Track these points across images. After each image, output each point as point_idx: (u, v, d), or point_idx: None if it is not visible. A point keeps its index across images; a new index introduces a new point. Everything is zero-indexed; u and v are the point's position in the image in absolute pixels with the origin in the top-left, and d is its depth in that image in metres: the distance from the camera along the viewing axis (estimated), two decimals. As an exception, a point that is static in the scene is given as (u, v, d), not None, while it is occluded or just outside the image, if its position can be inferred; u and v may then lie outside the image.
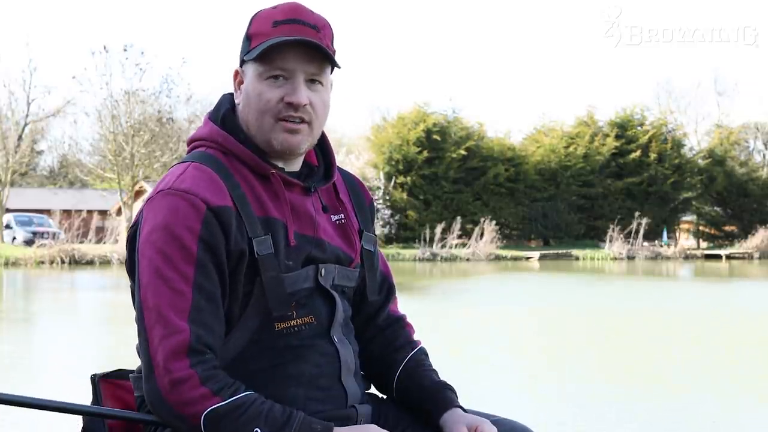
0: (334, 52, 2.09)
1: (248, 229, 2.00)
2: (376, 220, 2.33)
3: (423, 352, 2.29)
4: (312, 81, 2.06)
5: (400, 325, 2.31)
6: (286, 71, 2.04)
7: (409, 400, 2.22)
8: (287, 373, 2.05)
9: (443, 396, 2.18)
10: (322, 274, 2.10)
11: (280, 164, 2.10)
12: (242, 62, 2.10)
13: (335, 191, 2.20)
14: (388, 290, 2.32)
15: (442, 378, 2.27)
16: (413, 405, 2.21)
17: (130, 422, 2.07)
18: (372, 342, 2.28)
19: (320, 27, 2.06)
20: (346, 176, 2.28)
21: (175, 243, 1.95)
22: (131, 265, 2.04)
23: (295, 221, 2.07)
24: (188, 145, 2.16)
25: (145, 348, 1.95)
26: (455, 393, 2.22)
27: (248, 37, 2.08)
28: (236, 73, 2.13)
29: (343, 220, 2.18)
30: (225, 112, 2.12)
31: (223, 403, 1.90)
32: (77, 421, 2.15)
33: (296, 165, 2.14)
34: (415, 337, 2.33)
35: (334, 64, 2.08)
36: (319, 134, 2.13)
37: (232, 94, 2.17)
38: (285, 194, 2.07)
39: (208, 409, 1.90)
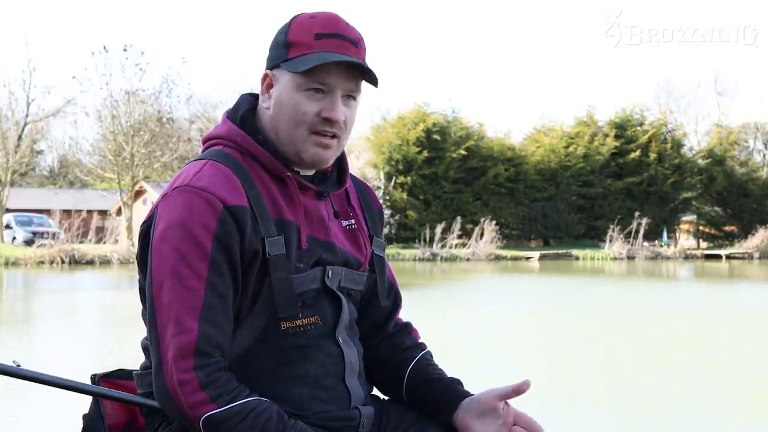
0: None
1: (262, 230, 2.01)
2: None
3: (430, 354, 2.31)
4: (347, 96, 2.07)
5: (407, 330, 2.33)
6: (326, 86, 2.04)
7: (419, 397, 2.22)
8: (292, 373, 2.05)
9: (455, 389, 2.19)
10: (329, 276, 2.10)
11: (295, 168, 2.10)
12: (274, 66, 2.08)
13: (347, 197, 2.21)
14: (395, 297, 2.33)
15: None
16: (424, 401, 2.21)
17: (135, 405, 2.09)
18: (380, 346, 2.29)
19: (358, 41, 2.06)
20: (357, 183, 2.29)
21: (190, 241, 1.95)
22: (143, 259, 2.04)
23: (308, 224, 2.08)
24: (204, 142, 2.16)
25: (156, 344, 1.96)
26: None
27: (287, 44, 2.05)
28: (266, 77, 2.10)
29: (353, 226, 2.19)
30: (244, 113, 2.12)
31: (219, 410, 1.91)
32: (79, 410, 2.16)
33: (311, 170, 2.14)
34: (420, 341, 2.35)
35: (375, 84, 2.08)
36: (343, 148, 2.14)
37: (251, 95, 2.17)
38: (299, 197, 2.07)
39: (205, 416, 1.91)
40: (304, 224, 2.07)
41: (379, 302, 2.27)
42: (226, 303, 1.97)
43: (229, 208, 1.97)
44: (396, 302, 2.33)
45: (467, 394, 2.18)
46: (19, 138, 46.74)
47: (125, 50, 43.43)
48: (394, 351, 2.28)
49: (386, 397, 2.29)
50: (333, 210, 2.14)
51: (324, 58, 2.00)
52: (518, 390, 2.09)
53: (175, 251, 1.95)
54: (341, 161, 2.20)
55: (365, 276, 2.20)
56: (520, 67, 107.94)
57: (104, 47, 43.28)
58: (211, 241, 1.95)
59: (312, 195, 2.11)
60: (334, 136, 2.06)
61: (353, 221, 2.18)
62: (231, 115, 2.14)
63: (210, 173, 2.01)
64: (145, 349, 2.09)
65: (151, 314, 1.98)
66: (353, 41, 2.05)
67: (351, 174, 2.25)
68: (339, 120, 2.04)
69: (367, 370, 2.25)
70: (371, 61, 2.11)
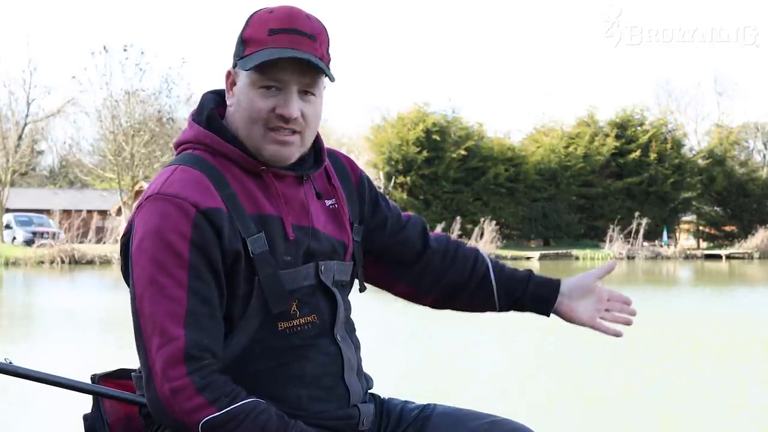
0: (329, 60, 2.06)
1: (241, 229, 1.99)
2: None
3: (487, 256, 2.38)
4: (305, 92, 2.04)
5: (449, 241, 2.37)
6: (279, 82, 2.01)
7: (515, 299, 2.35)
8: (290, 374, 2.04)
9: (547, 282, 2.34)
10: (322, 271, 2.09)
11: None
12: (235, 64, 2.07)
13: (327, 176, 2.18)
14: (414, 223, 2.33)
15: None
16: (521, 301, 2.35)
17: (134, 404, 2.09)
18: (435, 262, 2.33)
19: (317, 35, 2.03)
20: (333, 157, 2.24)
21: (167, 249, 1.94)
22: (126, 272, 2.03)
23: (291, 213, 2.06)
24: (175, 149, 2.13)
25: (143, 357, 1.95)
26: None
27: (242, 41, 2.05)
28: (229, 74, 2.09)
29: (335, 205, 2.16)
30: (210, 113, 2.09)
31: (218, 413, 1.90)
32: (78, 410, 2.17)
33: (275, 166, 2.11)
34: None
35: (331, 79, 2.06)
36: (310, 143, 2.10)
37: (214, 93, 2.15)
38: (277, 188, 2.05)
39: (204, 420, 1.90)
40: (287, 214, 2.05)
41: (409, 241, 2.30)
42: (212, 307, 1.96)
43: (203, 212, 1.95)
44: (420, 226, 2.34)
45: (557, 282, 2.34)
46: (19, 138, 46.72)
47: (125, 50, 43.52)
48: (461, 266, 2.33)
49: (386, 396, 2.28)
50: (315, 191, 2.12)
51: (270, 54, 1.99)
52: (608, 269, 2.38)
53: (153, 261, 1.94)
54: (316, 141, 2.15)
55: (351, 264, 2.18)
56: (520, 67, 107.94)
57: (104, 47, 43.39)
58: (188, 247, 1.94)
59: (291, 181, 2.08)
60: (294, 132, 2.04)
61: (335, 200, 2.16)
62: (196, 116, 2.11)
63: (180, 178, 1.99)
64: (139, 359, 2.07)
65: (136, 327, 1.97)
66: (309, 35, 2.02)
67: (327, 148, 2.21)
68: (293, 116, 2.01)
69: (448, 298, 2.35)
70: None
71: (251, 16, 2.07)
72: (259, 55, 2.00)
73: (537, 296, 2.33)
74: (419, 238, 2.32)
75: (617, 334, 2.37)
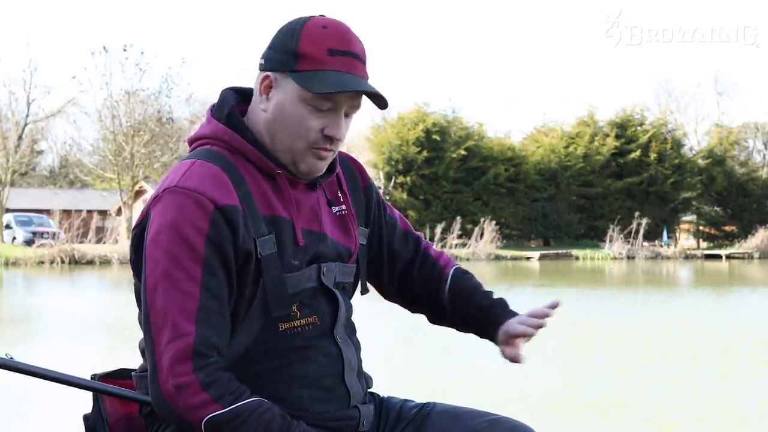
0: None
1: (253, 230, 1.99)
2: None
3: (459, 272, 2.34)
4: (347, 114, 2.07)
5: (429, 260, 2.34)
6: (334, 103, 2.02)
7: (466, 322, 2.33)
8: (291, 374, 2.04)
9: (497, 312, 2.28)
10: (324, 273, 2.09)
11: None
12: (277, 70, 2.03)
13: (338, 183, 2.20)
14: (414, 242, 2.34)
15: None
16: (471, 325, 2.32)
17: (134, 402, 2.09)
18: (416, 285, 2.33)
19: (365, 57, 2.05)
20: (343, 162, 2.25)
21: (182, 243, 1.93)
22: (137, 264, 2.02)
23: (301, 218, 2.07)
24: (190, 144, 2.13)
25: (151, 350, 1.94)
26: (505, 305, 2.30)
27: (296, 54, 2.01)
28: (266, 78, 2.05)
29: (343, 212, 2.17)
30: (230, 110, 2.09)
31: (222, 411, 1.90)
32: (78, 410, 2.16)
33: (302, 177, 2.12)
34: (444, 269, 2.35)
35: (385, 107, 2.08)
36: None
37: (233, 90, 2.15)
38: (291, 192, 2.06)
39: (207, 417, 1.90)
40: (298, 219, 2.05)
41: (400, 254, 2.30)
42: (222, 304, 1.96)
43: (220, 208, 1.95)
44: (416, 245, 2.34)
45: (507, 315, 2.27)
46: (20, 138, 46.73)
47: (125, 50, 43.51)
48: (427, 285, 2.32)
49: (385, 395, 2.28)
50: (326, 198, 2.13)
51: (342, 83, 1.98)
52: (553, 306, 2.22)
53: (168, 254, 1.93)
54: None
55: (355, 267, 2.19)
56: (520, 67, 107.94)
57: (104, 47, 43.39)
58: (204, 242, 1.93)
59: (303, 187, 2.09)
60: (330, 150, 2.06)
61: (343, 207, 2.17)
62: (216, 113, 2.10)
63: (199, 172, 1.98)
64: (143, 351, 2.06)
65: (146, 319, 1.96)
66: (362, 58, 2.04)
67: (339, 152, 2.20)
68: (342, 139, 2.05)
69: (412, 301, 2.34)
70: (371, 64, 2.09)
71: (303, 27, 2.02)
72: (326, 78, 1.99)
73: (485, 313, 2.29)
74: (410, 252, 2.33)
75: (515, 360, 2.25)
